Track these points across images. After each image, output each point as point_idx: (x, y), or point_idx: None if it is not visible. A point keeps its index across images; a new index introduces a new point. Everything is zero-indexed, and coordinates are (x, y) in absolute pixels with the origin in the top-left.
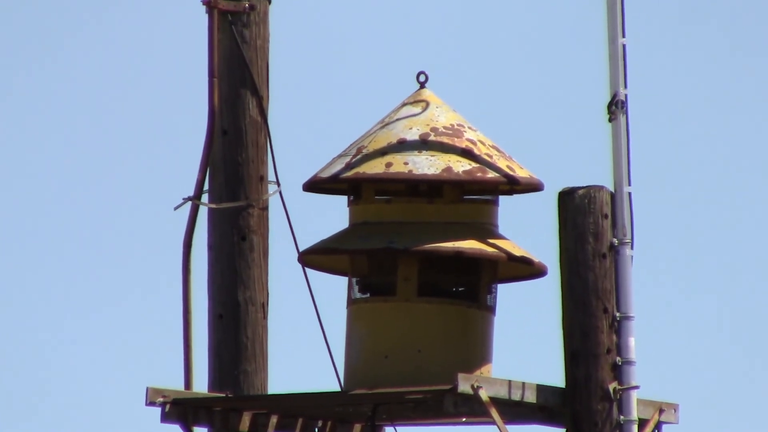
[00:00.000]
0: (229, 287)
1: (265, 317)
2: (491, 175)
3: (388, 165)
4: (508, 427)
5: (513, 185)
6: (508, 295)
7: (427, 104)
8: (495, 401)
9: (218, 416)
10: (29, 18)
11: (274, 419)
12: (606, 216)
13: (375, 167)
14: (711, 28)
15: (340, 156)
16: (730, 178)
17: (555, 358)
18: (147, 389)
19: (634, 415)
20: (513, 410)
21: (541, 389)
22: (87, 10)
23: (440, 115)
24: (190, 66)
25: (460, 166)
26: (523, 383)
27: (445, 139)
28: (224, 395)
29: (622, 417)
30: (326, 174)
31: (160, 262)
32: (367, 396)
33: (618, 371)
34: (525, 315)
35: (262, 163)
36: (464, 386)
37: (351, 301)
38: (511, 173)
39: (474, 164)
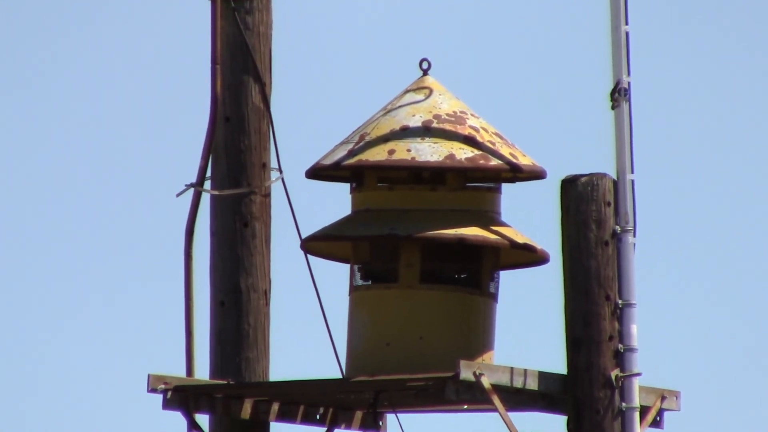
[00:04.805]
0: (231, 274)
1: (267, 304)
2: (494, 162)
3: (391, 152)
4: (510, 414)
5: (516, 173)
6: (510, 282)
7: (431, 91)
8: (497, 388)
9: (220, 403)
10: (32, 8)
11: (275, 406)
12: (609, 203)
13: (377, 154)
14: (714, 15)
15: (342, 143)
16: (733, 166)
17: (557, 346)
18: (149, 376)
19: (636, 402)
20: (515, 397)
21: (542, 376)
22: None
23: (443, 102)
24: (193, 53)
25: (463, 153)
26: (525, 370)
27: (447, 127)
28: (226, 382)
29: (623, 404)
30: (329, 161)
31: (163, 248)
32: (368, 383)
33: (620, 358)
34: (527, 302)
35: (265, 150)
36: (466, 373)
37: (353, 288)
38: (514, 161)
39: (477, 151)
